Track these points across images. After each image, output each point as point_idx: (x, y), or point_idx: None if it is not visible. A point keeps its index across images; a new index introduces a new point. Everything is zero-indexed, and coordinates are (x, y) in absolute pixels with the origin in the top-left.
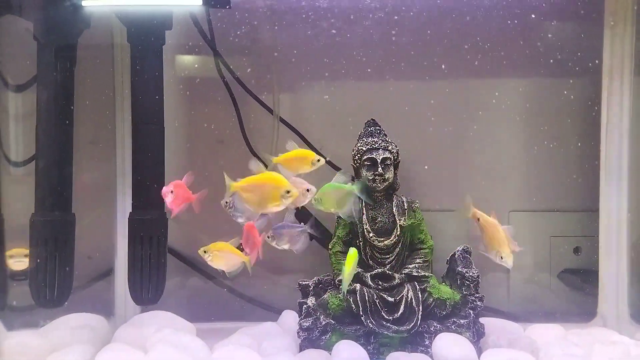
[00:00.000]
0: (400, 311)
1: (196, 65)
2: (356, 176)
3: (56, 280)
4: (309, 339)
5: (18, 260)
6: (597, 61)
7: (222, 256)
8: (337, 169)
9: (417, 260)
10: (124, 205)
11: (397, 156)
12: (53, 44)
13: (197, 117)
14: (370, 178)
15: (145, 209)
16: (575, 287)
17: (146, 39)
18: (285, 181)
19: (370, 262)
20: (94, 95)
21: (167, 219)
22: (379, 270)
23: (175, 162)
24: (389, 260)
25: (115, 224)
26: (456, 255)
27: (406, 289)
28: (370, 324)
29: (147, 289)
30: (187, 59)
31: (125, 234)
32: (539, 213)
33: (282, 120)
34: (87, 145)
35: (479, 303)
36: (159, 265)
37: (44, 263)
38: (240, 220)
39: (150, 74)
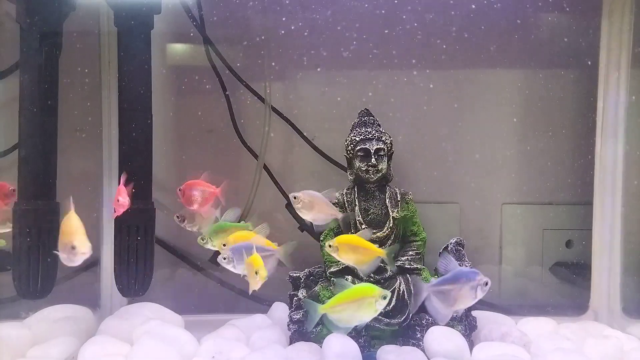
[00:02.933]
0: (392, 304)
1: (186, 52)
2: (349, 167)
3: (40, 270)
4: (300, 331)
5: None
6: (594, 53)
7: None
8: (332, 160)
9: (410, 253)
10: (111, 194)
11: (391, 147)
12: (36, 28)
13: (186, 106)
14: (364, 169)
15: (132, 198)
16: (567, 281)
17: (134, 22)
18: None
19: None
20: (79, 82)
21: (154, 208)
22: None
23: (163, 151)
24: None
25: (101, 213)
26: (449, 248)
27: (398, 281)
28: None
29: (134, 280)
30: (176, 46)
31: (112, 224)
32: (532, 206)
33: (274, 110)
34: (72, 133)
35: None
36: (146, 256)
37: (27, 253)
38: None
39: (138, 59)
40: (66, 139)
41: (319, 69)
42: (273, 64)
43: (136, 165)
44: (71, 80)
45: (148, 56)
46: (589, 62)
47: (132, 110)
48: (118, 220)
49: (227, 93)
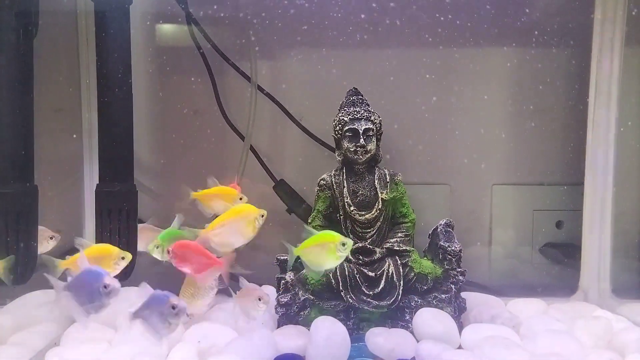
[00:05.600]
0: (381, 286)
1: (169, 30)
2: (337, 148)
3: (19, 255)
4: (287, 315)
5: None
6: (587, 32)
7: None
8: (320, 141)
9: (399, 235)
10: (91, 176)
11: (380, 127)
12: (11, 6)
13: (170, 86)
14: (352, 150)
15: (113, 181)
16: (557, 262)
17: None
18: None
19: (351, 236)
20: (57, 61)
21: (136, 190)
22: (360, 245)
23: (146, 132)
24: (370, 235)
25: (82, 196)
26: (438, 229)
27: (387, 263)
28: (350, 299)
29: None
30: (158, 24)
31: (93, 207)
32: (522, 186)
33: (260, 89)
34: (50, 114)
35: (460, 277)
36: (128, 239)
37: (5, 237)
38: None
39: (117, 35)
40: (44, 121)
41: (306, 47)
42: (259, 41)
43: (117, 146)
44: (49, 59)
45: (127, 33)
46: (582, 41)
47: (112, 89)
48: (99, 203)
49: (211, 72)
